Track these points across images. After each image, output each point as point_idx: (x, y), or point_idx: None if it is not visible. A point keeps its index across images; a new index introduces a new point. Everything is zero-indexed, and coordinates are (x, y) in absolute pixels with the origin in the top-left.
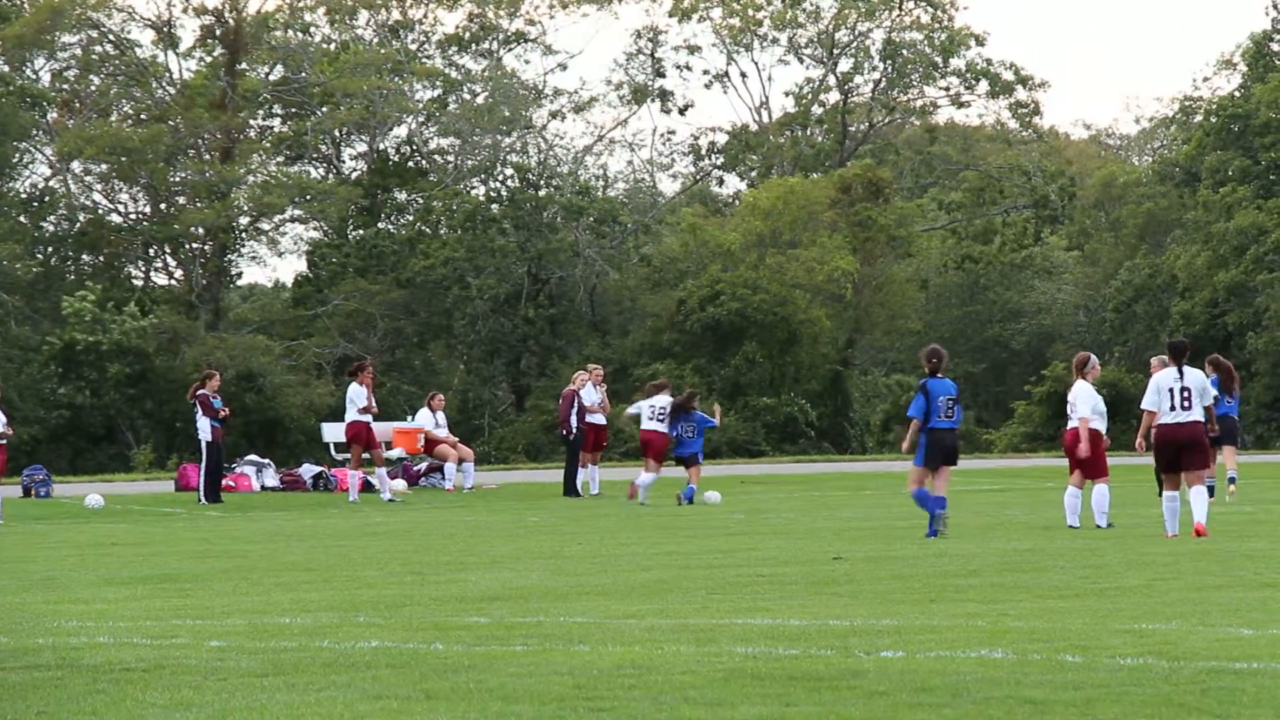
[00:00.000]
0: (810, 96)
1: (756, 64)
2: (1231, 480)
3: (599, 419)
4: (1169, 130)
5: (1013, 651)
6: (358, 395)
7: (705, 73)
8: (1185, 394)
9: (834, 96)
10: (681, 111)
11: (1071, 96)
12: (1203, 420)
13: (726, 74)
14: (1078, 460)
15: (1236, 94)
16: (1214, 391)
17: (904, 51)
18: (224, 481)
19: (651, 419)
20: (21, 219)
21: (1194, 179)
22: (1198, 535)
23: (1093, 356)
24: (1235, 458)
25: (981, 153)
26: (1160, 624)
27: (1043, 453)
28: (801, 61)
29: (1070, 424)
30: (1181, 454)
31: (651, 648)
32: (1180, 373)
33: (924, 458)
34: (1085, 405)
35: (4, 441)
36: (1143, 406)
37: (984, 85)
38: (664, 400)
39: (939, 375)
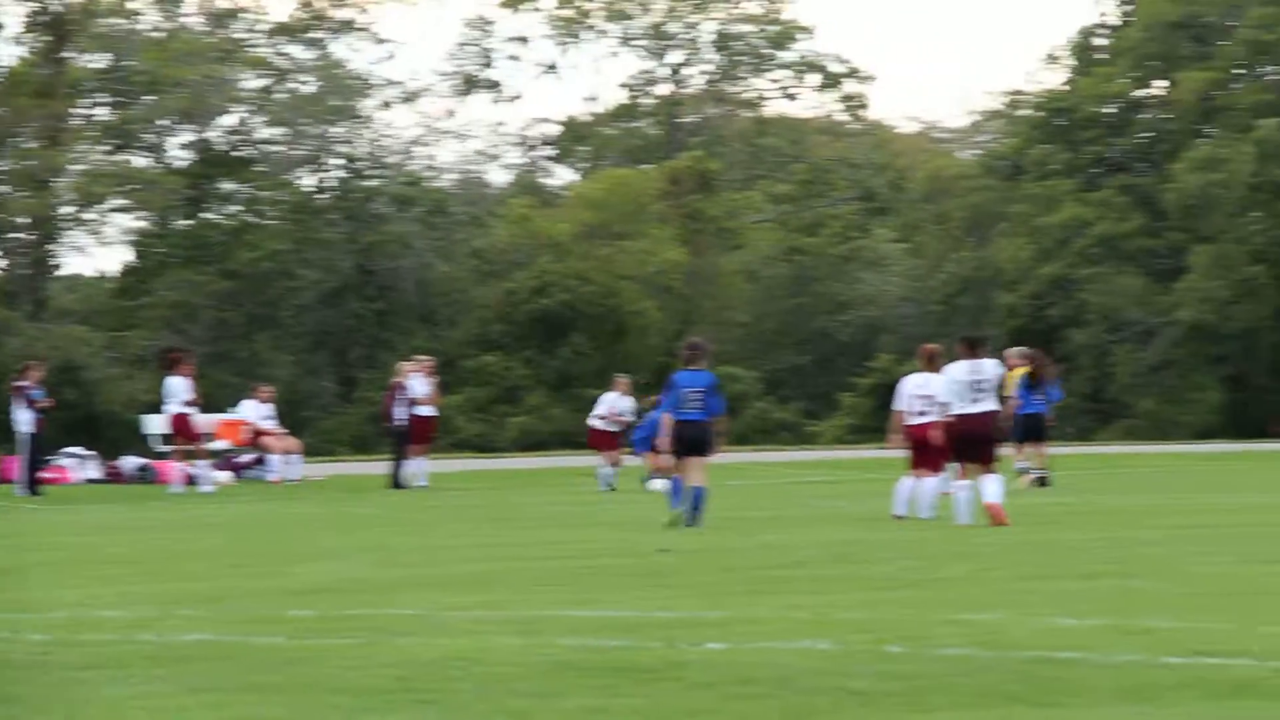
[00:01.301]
0: (641, 88)
1: (587, 56)
2: (1023, 471)
3: (428, 411)
4: (996, 124)
5: (838, 642)
6: (176, 387)
7: (536, 64)
8: (981, 385)
9: (666, 88)
10: (511, 102)
11: (900, 90)
12: (995, 411)
13: (555, 65)
14: (936, 450)
15: (1062, 88)
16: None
17: (735, 43)
18: (45, 474)
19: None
20: None
21: (1019, 172)
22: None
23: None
24: (1044, 451)
25: (811, 145)
26: (984, 614)
27: (868, 444)
28: (632, 50)
29: (925, 417)
30: (977, 444)
31: (478, 639)
32: (976, 365)
33: (673, 449)
34: (949, 396)
35: None
36: (940, 399)
37: (814, 78)
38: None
39: (694, 368)
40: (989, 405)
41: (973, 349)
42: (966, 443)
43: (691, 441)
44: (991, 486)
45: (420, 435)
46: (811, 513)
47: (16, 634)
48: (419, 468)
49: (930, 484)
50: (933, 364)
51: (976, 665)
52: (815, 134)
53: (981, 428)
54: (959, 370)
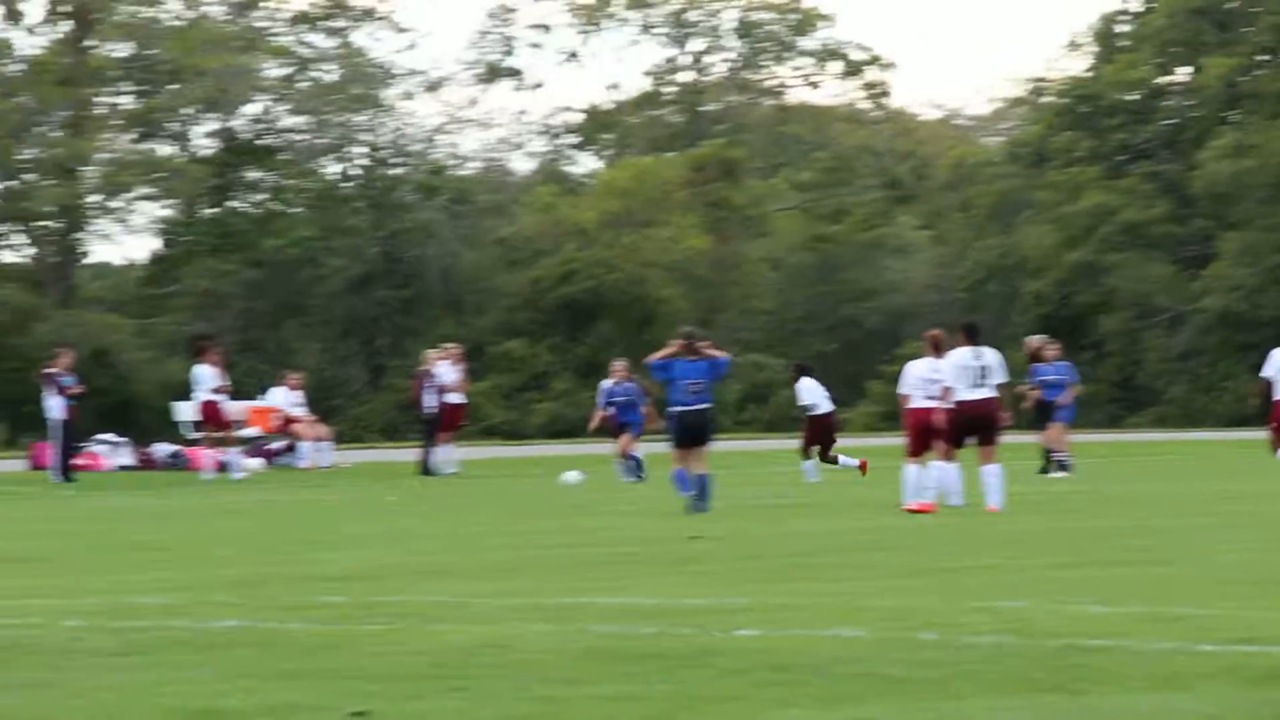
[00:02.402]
0: (664, 76)
1: (608, 44)
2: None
3: (457, 398)
4: (1019, 111)
5: (869, 630)
6: (204, 375)
7: (558, 51)
8: (982, 372)
9: (688, 76)
10: (533, 90)
11: (922, 77)
12: (997, 397)
13: (577, 53)
14: (938, 435)
15: (1085, 75)
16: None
17: (756, 31)
18: (79, 461)
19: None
20: None
21: (1043, 159)
22: (990, 512)
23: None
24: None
25: (833, 133)
26: (1014, 601)
27: (896, 432)
28: (653, 38)
29: (930, 401)
30: (976, 430)
31: (508, 626)
32: (977, 352)
33: (675, 439)
34: (951, 382)
35: None
36: (945, 384)
37: (836, 65)
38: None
39: (693, 358)
40: (990, 392)
41: (972, 336)
42: (967, 429)
43: (694, 430)
44: (994, 485)
45: (449, 422)
46: (841, 500)
47: (51, 620)
48: (448, 454)
49: (950, 469)
50: (939, 349)
51: (1007, 652)
52: (838, 122)
53: (983, 413)
54: (961, 357)
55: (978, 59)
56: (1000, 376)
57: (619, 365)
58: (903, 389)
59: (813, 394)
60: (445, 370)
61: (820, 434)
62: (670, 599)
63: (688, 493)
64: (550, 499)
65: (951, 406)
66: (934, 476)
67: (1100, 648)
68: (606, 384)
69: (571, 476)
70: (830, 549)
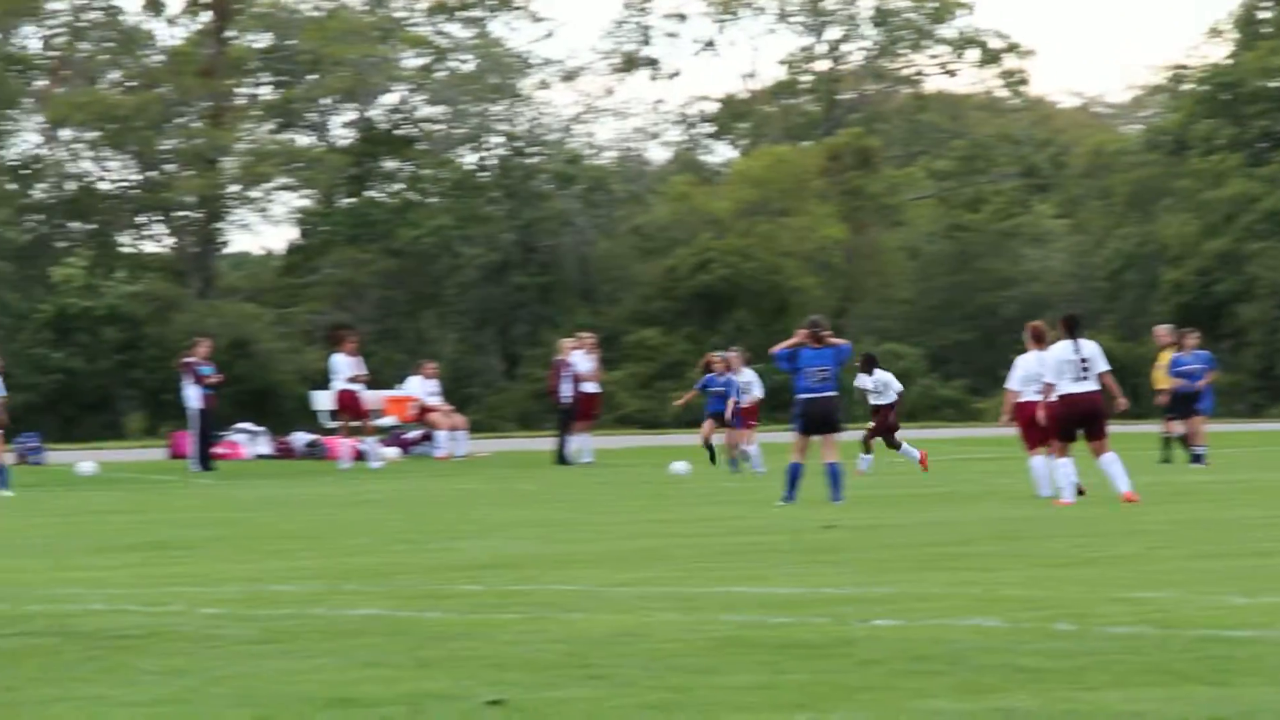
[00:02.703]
0: (800, 65)
1: (745, 33)
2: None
3: (593, 387)
4: (1159, 98)
5: (1007, 619)
6: (341, 365)
7: (694, 40)
8: (1084, 365)
9: (824, 65)
10: (670, 79)
11: (1061, 65)
12: (1100, 390)
13: (713, 42)
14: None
15: (1226, 62)
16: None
17: (893, 19)
18: (218, 450)
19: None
20: (11, 185)
21: (1183, 147)
22: (1128, 502)
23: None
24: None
25: (971, 121)
26: (1153, 592)
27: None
28: (790, 27)
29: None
30: (1082, 423)
31: (643, 615)
32: (1076, 344)
33: (800, 426)
34: (1053, 375)
35: None
36: (1047, 379)
37: (974, 53)
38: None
39: (821, 345)
40: (1093, 384)
41: (1072, 329)
42: (1071, 422)
43: (821, 417)
44: (1118, 473)
45: (585, 411)
46: (978, 489)
47: (191, 608)
48: (584, 444)
49: (1063, 462)
50: (1041, 341)
51: (1146, 643)
52: (975, 110)
53: (1087, 406)
54: (1061, 350)
55: (1117, 46)
56: (1102, 366)
57: (734, 354)
58: (1011, 384)
59: (883, 384)
60: (580, 359)
61: (887, 424)
62: (806, 589)
63: (790, 497)
64: (684, 488)
65: (1055, 401)
66: (1065, 474)
67: (1243, 639)
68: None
69: (680, 467)
70: (967, 539)
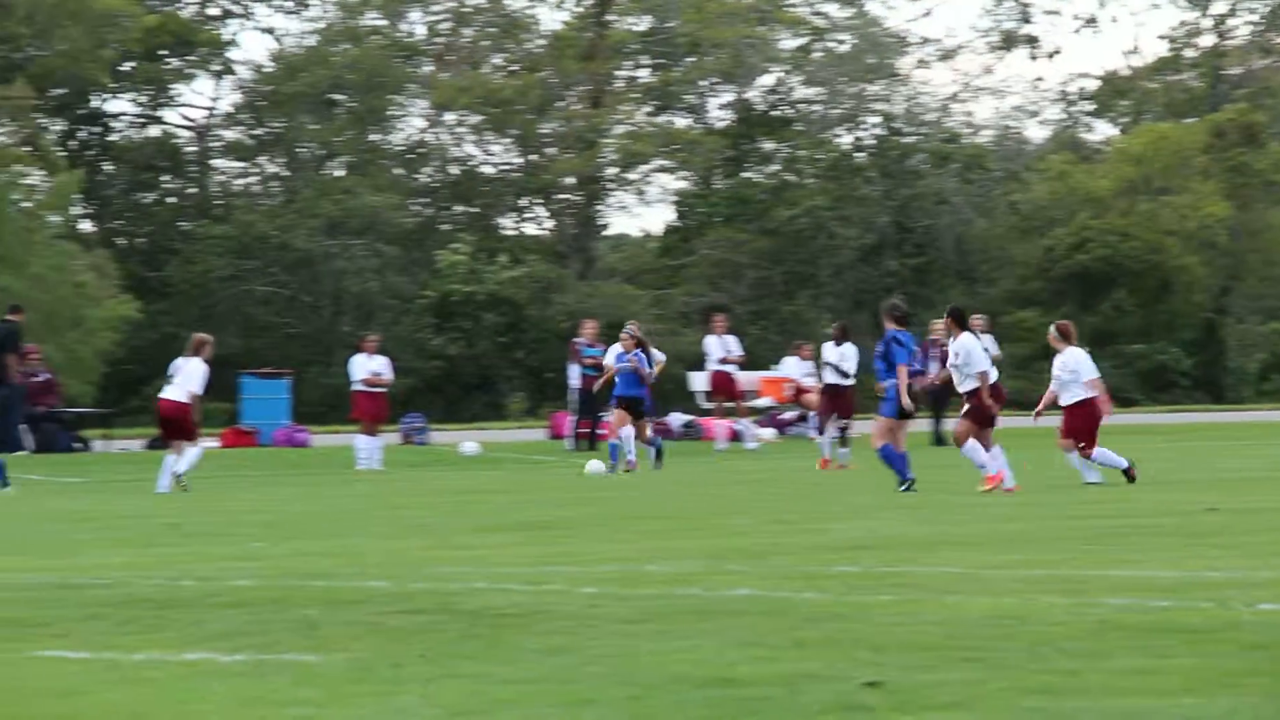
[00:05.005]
0: (1183, 40)
1: (1126, 8)
2: None
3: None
4: None
5: None
6: (714, 346)
7: (1075, 17)
8: None
9: (1208, 40)
10: (1050, 57)
11: None
12: None
13: (1095, 19)
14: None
15: None
16: None
17: None
18: (595, 430)
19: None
20: (397, 171)
21: None
22: None
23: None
24: None
25: None
26: None
27: None
28: (1173, 2)
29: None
30: None
31: (1022, 598)
32: None
33: (897, 411)
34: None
35: (385, 390)
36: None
37: None
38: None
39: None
40: None
41: None
42: None
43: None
44: None
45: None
46: None
47: (569, 587)
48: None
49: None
50: (1070, 339)
51: None
52: None
53: None
54: None
55: None
56: None
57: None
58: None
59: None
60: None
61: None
62: (1187, 572)
63: (901, 470)
64: (1062, 470)
65: None
66: None
67: None
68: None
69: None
70: None
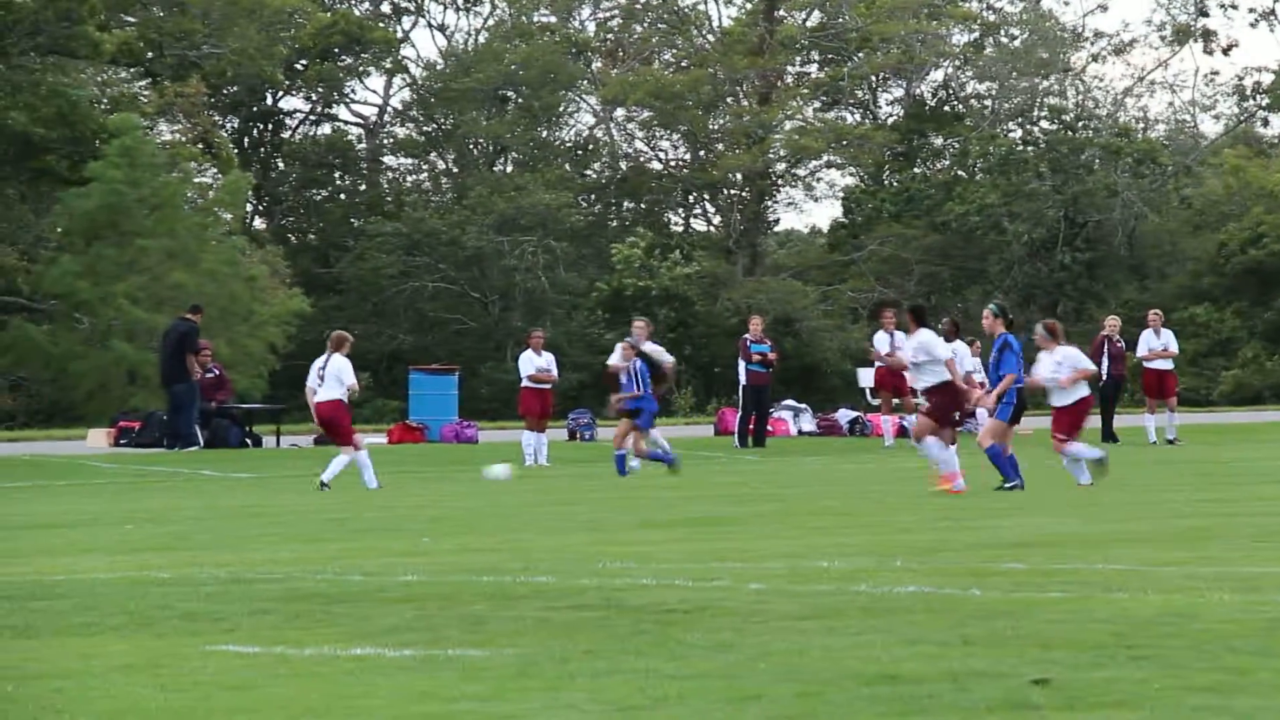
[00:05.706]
0: None
1: None
2: None
3: (1162, 364)
4: None
5: None
6: (880, 342)
7: (1251, 10)
8: None
9: None
10: (1225, 51)
11: None
12: None
13: (1274, 11)
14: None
15: None
16: None
17: None
18: (763, 427)
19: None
20: (568, 167)
21: None
22: None
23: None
24: None
25: None
26: None
27: None
28: None
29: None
30: None
31: (1192, 596)
32: None
33: (1012, 414)
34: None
35: (550, 386)
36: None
37: None
38: None
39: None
40: None
41: None
42: None
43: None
44: None
45: (1154, 390)
46: None
47: (737, 583)
48: (1158, 423)
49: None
50: (1058, 339)
51: None
52: None
53: None
54: None
55: None
56: None
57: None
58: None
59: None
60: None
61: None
62: None
63: (1007, 472)
64: (1235, 467)
65: None
66: None
67: None
68: None
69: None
70: None
